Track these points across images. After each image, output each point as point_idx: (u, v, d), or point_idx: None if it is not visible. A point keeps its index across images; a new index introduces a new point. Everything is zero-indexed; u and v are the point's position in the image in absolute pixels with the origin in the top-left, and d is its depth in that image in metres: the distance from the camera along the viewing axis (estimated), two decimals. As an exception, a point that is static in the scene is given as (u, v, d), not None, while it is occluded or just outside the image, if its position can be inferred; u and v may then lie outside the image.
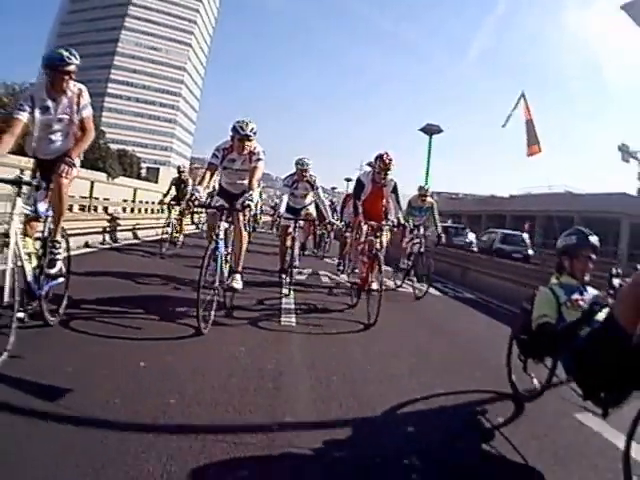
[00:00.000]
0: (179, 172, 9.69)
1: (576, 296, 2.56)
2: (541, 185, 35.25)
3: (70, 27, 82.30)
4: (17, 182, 2.56)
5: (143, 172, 61.64)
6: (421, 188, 7.41)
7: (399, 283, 6.95)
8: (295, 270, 5.79)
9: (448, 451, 2.10)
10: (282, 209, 6.08)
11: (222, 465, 1.72)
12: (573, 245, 2.69)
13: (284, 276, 5.74)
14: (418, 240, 6.76)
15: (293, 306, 4.71)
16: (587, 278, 2.66)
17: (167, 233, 8.60)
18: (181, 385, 2.38)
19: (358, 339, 3.85)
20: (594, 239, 2.66)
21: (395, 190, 5.27)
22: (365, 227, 5.02)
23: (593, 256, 2.65)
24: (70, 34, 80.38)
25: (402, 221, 5.19)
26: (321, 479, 1.74)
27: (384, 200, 5.26)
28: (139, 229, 10.78)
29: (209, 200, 4.54)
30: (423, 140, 21.03)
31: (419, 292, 6.38)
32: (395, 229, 5.26)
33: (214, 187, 6.30)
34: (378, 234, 4.84)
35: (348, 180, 51.03)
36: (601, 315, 2.35)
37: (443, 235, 7.42)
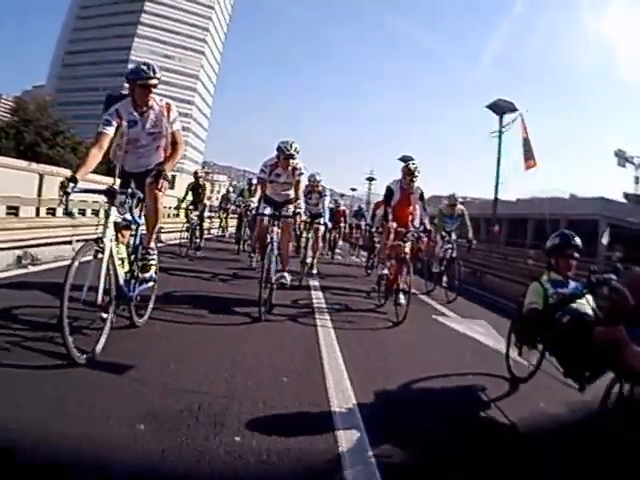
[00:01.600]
0: (196, 177, 9.55)
1: (561, 290, 2.93)
2: (558, 189, 35.90)
3: (81, 33, 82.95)
4: (111, 192, 2.73)
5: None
6: (451, 197, 7.52)
7: (430, 288, 7.09)
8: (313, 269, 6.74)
9: (452, 418, 2.53)
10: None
11: (278, 418, 2.26)
12: (558, 245, 3.07)
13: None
14: (450, 246, 6.96)
15: (324, 305, 5.13)
16: (570, 274, 3.02)
17: (185, 238, 8.90)
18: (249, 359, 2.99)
19: (386, 333, 4.35)
20: (576, 240, 3.03)
21: (422, 197, 5.51)
22: (393, 232, 5.24)
23: (576, 254, 3.03)
24: (83, 40, 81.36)
25: (428, 227, 5.47)
26: (348, 425, 2.22)
27: (411, 207, 5.51)
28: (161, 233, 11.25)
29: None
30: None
31: (450, 296, 6.56)
32: (422, 234, 5.51)
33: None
34: (405, 239, 5.14)
35: (353, 190, 52.70)
36: (578, 304, 2.77)
37: (474, 241, 7.56)
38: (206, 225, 11.13)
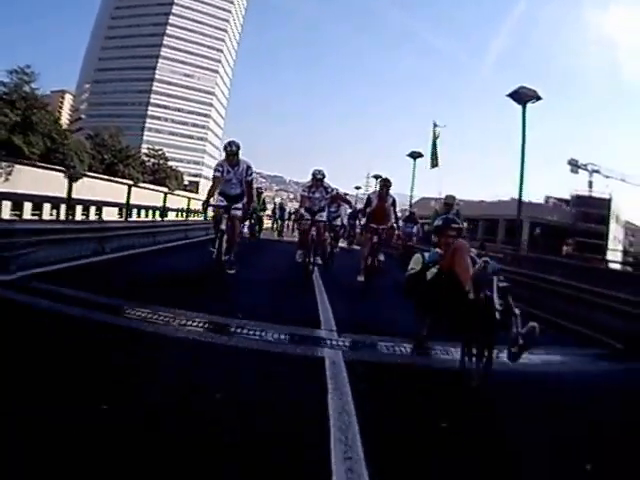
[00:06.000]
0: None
1: (437, 259, 3.21)
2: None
3: (109, 52, 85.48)
4: (225, 206, 5.46)
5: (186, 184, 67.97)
6: (448, 197, 7.82)
7: None
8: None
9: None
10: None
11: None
12: (440, 226, 3.41)
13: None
14: None
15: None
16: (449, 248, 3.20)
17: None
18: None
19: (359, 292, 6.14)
20: (454, 223, 3.40)
21: (394, 204, 6.69)
22: (369, 229, 6.59)
23: (453, 233, 3.33)
24: (111, 58, 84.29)
25: (396, 225, 6.93)
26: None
27: (386, 211, 6.61)
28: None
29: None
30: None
31: None
32: (392, 230, 6.87)
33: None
34: (376, 235, 6.52)
35: (357, 188, 54.68)
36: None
37: (485, 244, 7.79)
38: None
